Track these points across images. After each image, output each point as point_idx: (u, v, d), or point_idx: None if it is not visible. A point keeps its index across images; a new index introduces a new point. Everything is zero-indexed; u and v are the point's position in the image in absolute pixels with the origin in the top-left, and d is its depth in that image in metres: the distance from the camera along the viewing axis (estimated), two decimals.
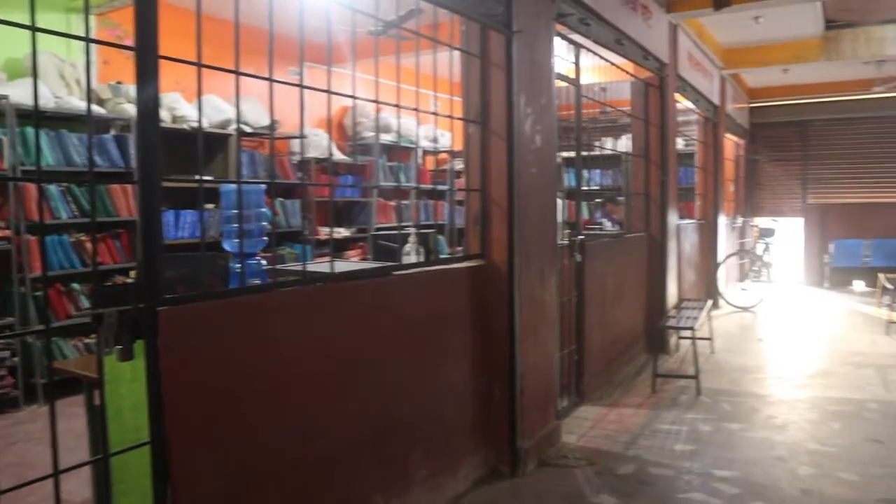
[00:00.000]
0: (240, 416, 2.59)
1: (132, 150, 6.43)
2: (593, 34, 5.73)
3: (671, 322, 6.89)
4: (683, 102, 9.38)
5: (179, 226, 7.12)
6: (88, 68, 2.19)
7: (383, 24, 3.76)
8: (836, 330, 9.18)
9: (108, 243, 6.54)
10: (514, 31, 4.19)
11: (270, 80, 2.73)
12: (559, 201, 5.46)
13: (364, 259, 7.75)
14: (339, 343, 3.07)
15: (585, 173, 7.40)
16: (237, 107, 2.72)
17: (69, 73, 6.52)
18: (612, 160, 10.32)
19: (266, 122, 7.92)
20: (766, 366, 7.25)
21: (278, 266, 5.32)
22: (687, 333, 6.56)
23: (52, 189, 6.10)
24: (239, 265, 3.78)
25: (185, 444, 2.36)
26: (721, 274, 11.26)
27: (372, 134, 9.57)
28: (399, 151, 10.37)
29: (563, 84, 5.66)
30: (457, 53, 4.23)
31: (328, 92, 3.06)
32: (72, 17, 6.82)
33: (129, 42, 2.25)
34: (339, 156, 9.38)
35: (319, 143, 8.75)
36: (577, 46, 5.72)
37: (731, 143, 13.32)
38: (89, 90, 2.12)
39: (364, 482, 3.23)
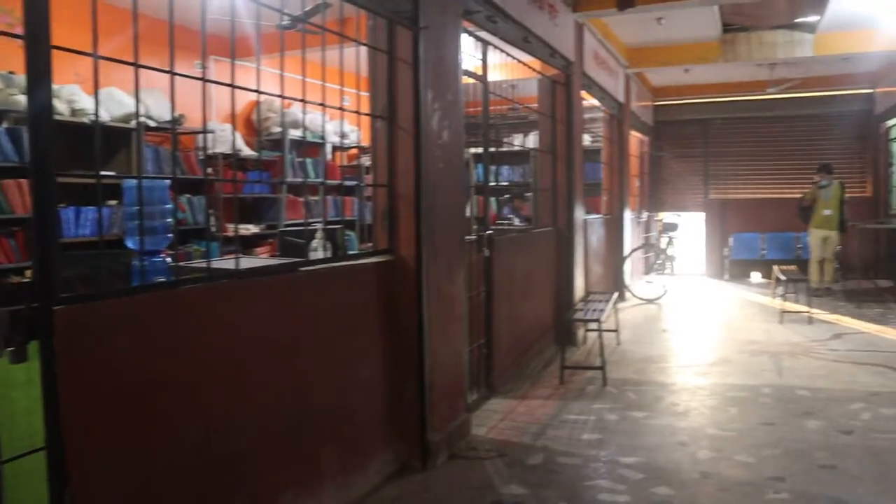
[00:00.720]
0: (143, 416, 2.54)
1: (27, 144, 6.17)
2: (500, 32, 5.80)
3: (578, 315, 7.04)
4: (590, 100, 9.58)
5: (80, 223, 6.86)
6: None
7: (290, 18, 3.73)
8: (734, 320, 9.56)
9: (3, 242, 6.27)
10: (420, 27, 4.21)
11: (171, 73, 2.68)
12: (467, 197, 5.52)
13: (274, 256, 7.65)
14: (246, 340, 3.03)
15: (495, 169, 7.47)
16: (136, 100, 2.65)
17: None
18: (522, 156, 10.47)
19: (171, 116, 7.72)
20: (669, 355, 7.49)
21: (184, 263, 5.21)
22: (594, 326, 6.72)
23: None
24: (142, 263, 3.69)
25: (84, 447, 2.30)
26: (627, 267, 11.56)
27: (281, 129, 9.44)
28: (308, 147, 10.27)
29: (472, 81, 5.72)
30: (364, 48, 4.22)
31: (231, 86, 3.01)
32: None
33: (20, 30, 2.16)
34: (247, 151, 9.22)
35: (227, 139, 8.58)
36: (485, 44, 5.78)
37: (636, 139, 13.68)
38: None
39: (274, 479, 3.21)
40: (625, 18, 8.82)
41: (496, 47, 5.96)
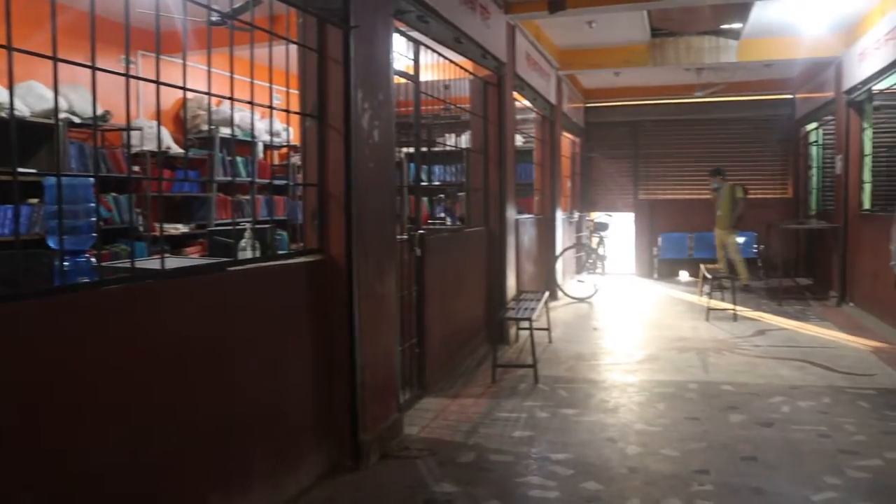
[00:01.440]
0: (62, 422, 2.47)
1: None
2: (432, 32, 5.82)
3: (510, 313, 7.11)
4: (522, 101, 9.67)
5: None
6: None
7: (219, 14, 3.68)
8: (663, 318, 9.78)
9: None
10: (351, 26, 4.19)
11: (93, 67, 2.61)
12: (399, 196, 5.53)
13: (204, 256, 7.52)
14: (172, 341, 2.98)
15: (427, 169, 7.49)
16: (55, 95, 2.58)
17: None
18: (456, 156, 10.50)
19: (98, 111, 7.52)
20: (600, 353, 7.62)
21: (108, 264, 5.08)
22: (525, 324, 6.79)
23: None
24: (65, 263, 3.59)
25: None
26: (559, 266, 11.71)
27: (211, 127, 9.28)
28: (240, 145, 10.12)
29: (404, 80, 5.73)
30: (294, 46, 4.19)
31: (157, 83, 2.96)
32: None
33: None
34: (176, 149, 9.04)
35: (156, 136, 8.39)
36: (417, 44, 5.79)
37: (567, 140, 13.86)
38: None
39: (201, 483, 3.16)
40: (556, 21, 8.94)
41: (428, 47, 5.97)
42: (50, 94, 7.12)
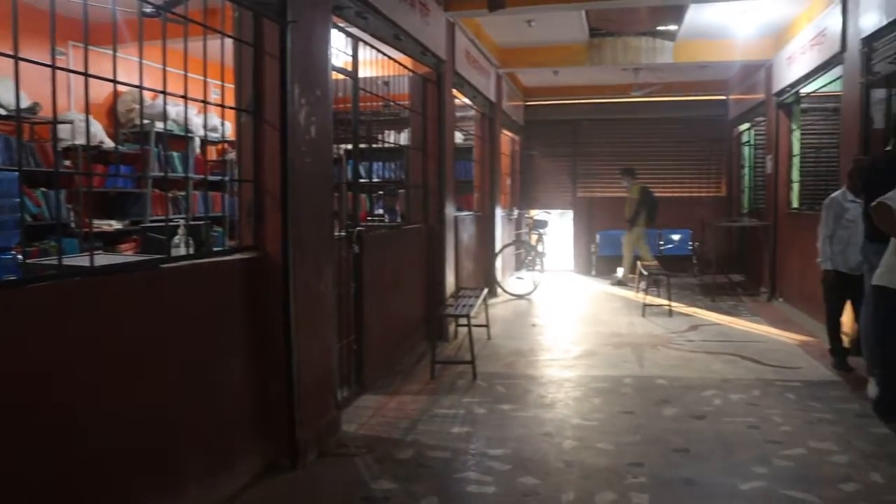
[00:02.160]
0: None
1: None
2: (371, 28, 5.80)
3: (449, 310, 7.14)
4: (462, 98, 9.70)
5: None
6: None
7: (152, 6, 3.60)
8: (600, 314, 9.91)
9: None
10: (288, 20, 4.15)
11: (16, 58, 2.53)
12: (338, 193, 5.49)
13: (138, 253, 7.36)
14: (102, 340, 2.90)
15: (367, 165, 7.47)
16: None
17: None
18: (397, 153, 10.48)
19: (26, 103, 7.29)
20: (538, 349, 7.69)
21: (35, 260, 4.94)
22: (464, 321, 6.82)
23: None
24: None
25: None
26: (498, 263, 11.78)
27: (146, 121, 9.08)
28: (176, 141, 9.92)
29: (343, 77, 5.69)
30: (230, 40, 4.12)
31: (85, 75, 2.88)
32: None
33: None
34: (110, 143, 8.81)
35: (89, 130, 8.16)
36: (356, 40, 5.76)
37: (507, 138, 13.96)
38: None
39: (133, 483, 3.10)
40: (496, 19, 9.00)
41: (367, 44, 5.95)
42: None
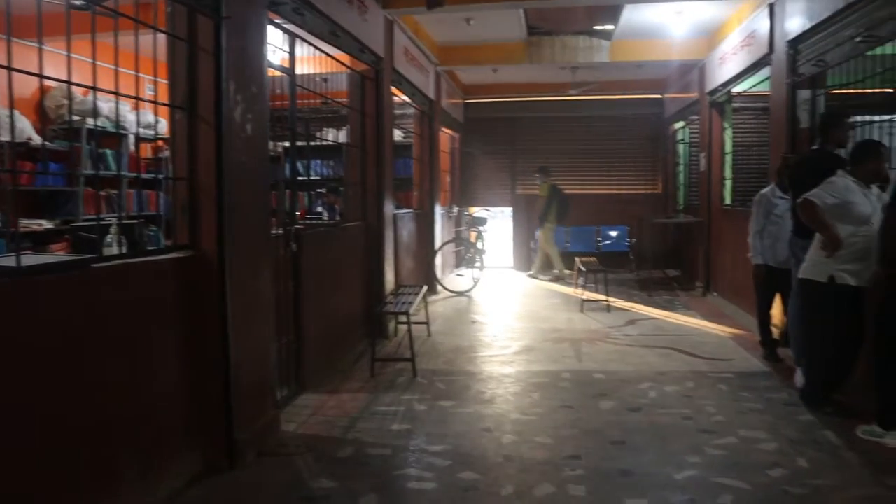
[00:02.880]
0: None
1: None
2: (308, 25, 5.76)
3: (388, 307, 7.14)
4: (400, 96, 9.69)
5: None
6: None
7: None
8: (540, 310, 10.02)
9: None
10: (223, 16, 4.10)
11: None
12: (275, 191, 5.44)
13: (69, 253, 7.17)
14: (29, 342, 2.83)
15: (306, 163, 7.42)
16: None
17: None
18: (337, 150, 10.43)
19: None
20: (478, 346, 7.75)
21: None
22: (404, 318, 6.83)
23: None
24: None
25: None
26: (438, 261, 11.81)
27: (76, 117, 8.85)
28: (109, 137, 9.69)
29: (280, 73, 5.65)
30: (163, 35, 4.05)
31: (8, 69, 2.80)
32: None
33: None
34: (39, 140, 8.57)
35: (16, 126, 7.92)
36: (293, 36, 5.72)
37: (446, 136, 14.00)
38: None
39: (65, 489, 3.03)
40: (435, 17, 9.02)
41: (304, 40, 5.90)
42: None
